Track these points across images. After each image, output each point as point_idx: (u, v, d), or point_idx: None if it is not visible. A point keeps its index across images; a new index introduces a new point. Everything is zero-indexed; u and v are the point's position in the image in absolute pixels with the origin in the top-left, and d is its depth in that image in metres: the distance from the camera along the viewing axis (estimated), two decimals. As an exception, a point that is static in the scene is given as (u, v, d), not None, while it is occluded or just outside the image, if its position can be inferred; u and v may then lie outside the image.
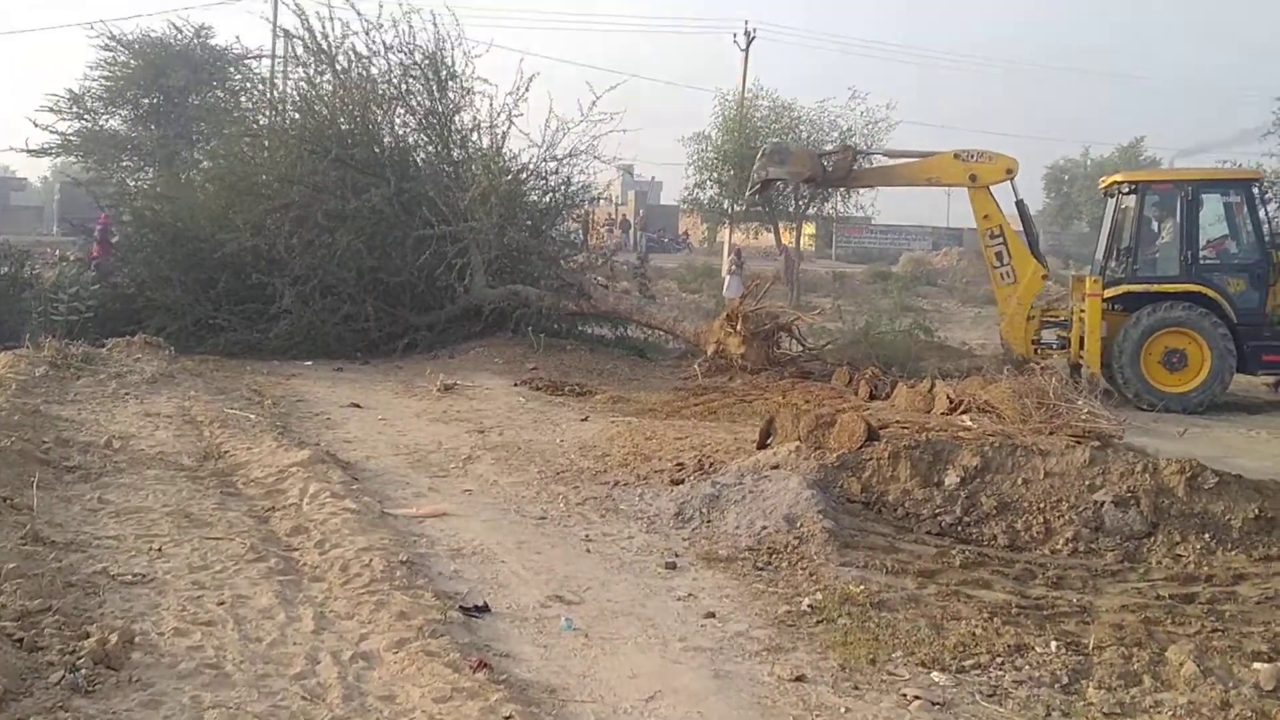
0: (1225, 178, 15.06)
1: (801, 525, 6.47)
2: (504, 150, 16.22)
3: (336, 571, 5.66)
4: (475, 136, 16.51)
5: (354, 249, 14.99)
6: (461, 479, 8.24)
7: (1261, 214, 13.93)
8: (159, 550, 5.86)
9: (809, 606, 5.42)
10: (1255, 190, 14.03)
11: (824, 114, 29.20)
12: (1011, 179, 15.10)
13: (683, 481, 7.61)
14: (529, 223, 16.27)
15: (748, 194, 18.24)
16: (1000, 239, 15.10)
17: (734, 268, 25.55)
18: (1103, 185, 15.61)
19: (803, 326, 14.87)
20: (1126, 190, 14.45)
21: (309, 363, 14.33)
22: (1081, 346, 13.97)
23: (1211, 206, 14.21)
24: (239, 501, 7.09)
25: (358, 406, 11.26)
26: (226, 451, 8.42)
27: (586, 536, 6.70)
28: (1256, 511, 6.34)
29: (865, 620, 5.21)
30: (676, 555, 6.34)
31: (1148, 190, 14.29)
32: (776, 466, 7.33)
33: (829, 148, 16.51)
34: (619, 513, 7.22)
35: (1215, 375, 13.27)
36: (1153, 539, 6.38)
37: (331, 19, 15.95)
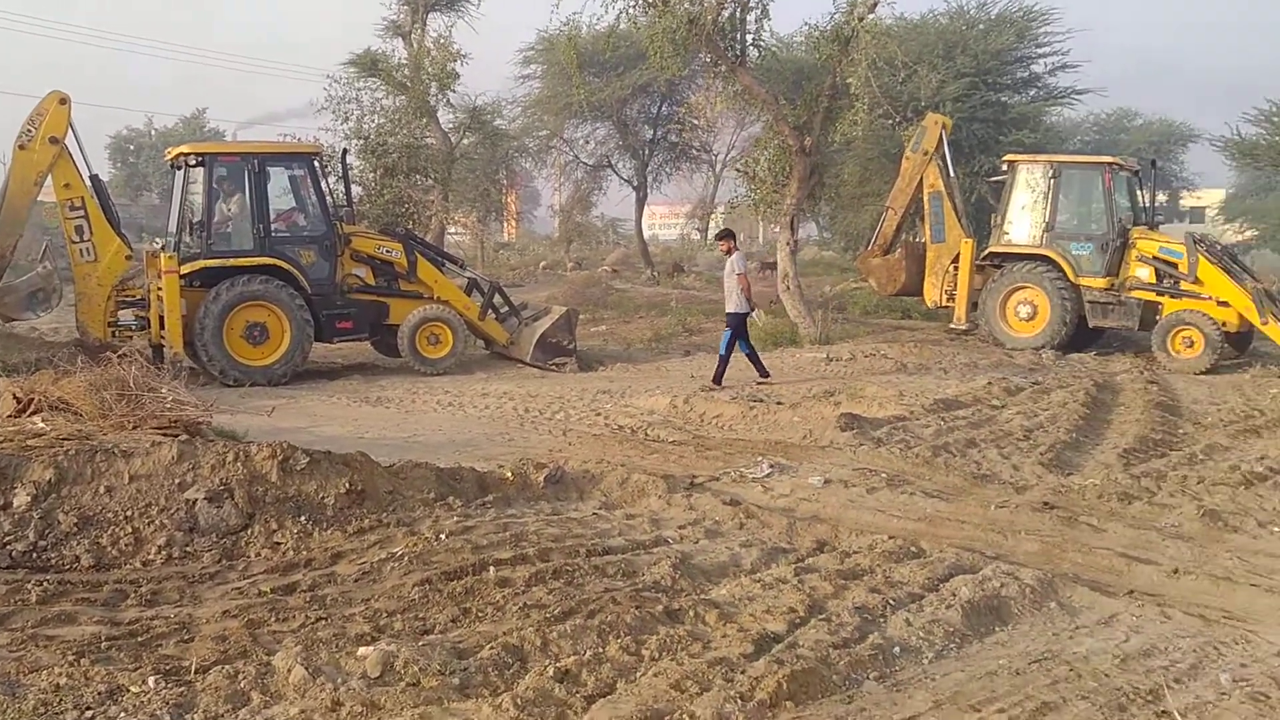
0: (288, 151, 15.56)
1: None
2: None
3: None
4: None
5: None
6: None
7: (324, 186, 14.67)
8: None
9: None
10: (316, 164, 14.71)
11: None
12: (69, 107, 13.84)
13: None
14: None
15: None
16: (81, 211, 13.78)
17: None
18: (168, 156, 15.08)
19: None
20: (194, 163, 14.12)
21: None
22: (162, 326, 13.43)
23: (279, 179, 14.59)
24: None
25: None
26: None
27: None
28: (347, 486, 6.48)
29: (-86, 705, 4.12)
30: None
31: (215, 162, 14.14)
32: None
33: None
34: None
35: (296, 346, 13.72)
36: (250, 530, 6.15)
37: None
